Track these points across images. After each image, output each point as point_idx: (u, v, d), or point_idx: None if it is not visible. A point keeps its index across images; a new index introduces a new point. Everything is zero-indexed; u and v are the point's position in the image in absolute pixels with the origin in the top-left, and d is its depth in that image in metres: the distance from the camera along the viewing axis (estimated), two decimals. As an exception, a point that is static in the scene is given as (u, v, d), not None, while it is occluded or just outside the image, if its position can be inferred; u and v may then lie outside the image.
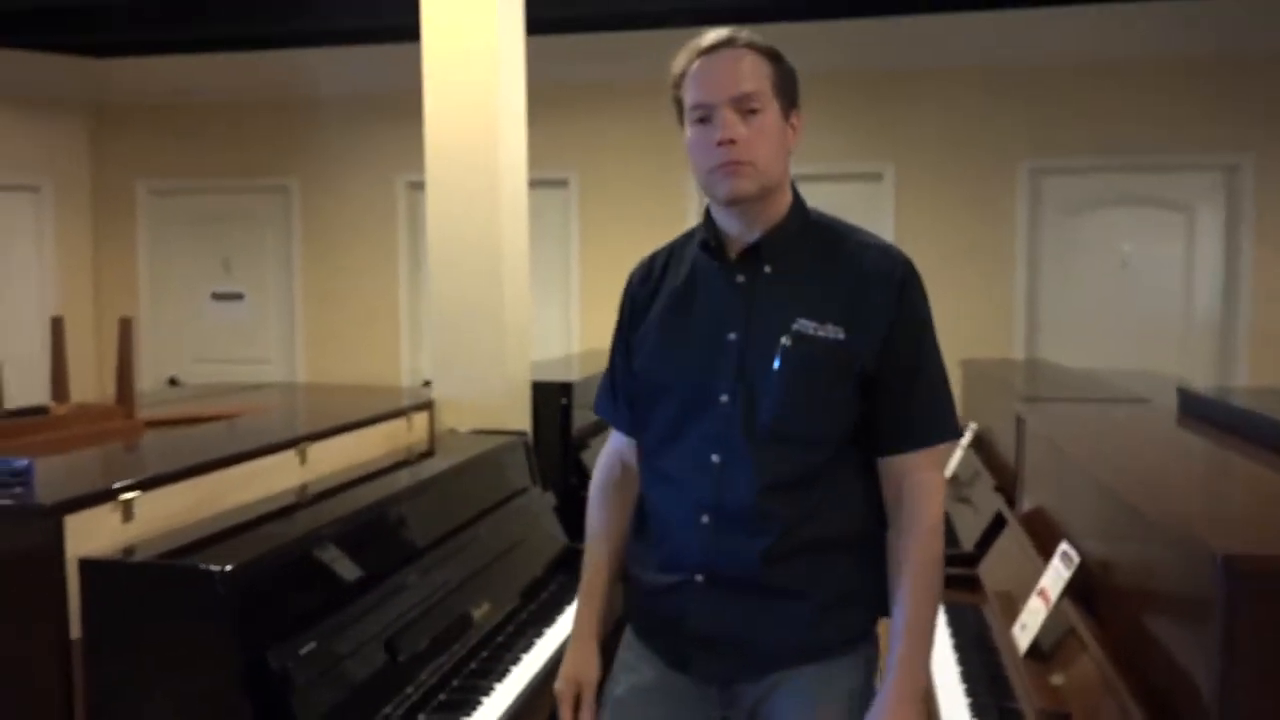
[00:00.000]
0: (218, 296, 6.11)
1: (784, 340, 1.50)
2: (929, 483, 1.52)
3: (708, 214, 1.61)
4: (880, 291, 1.51)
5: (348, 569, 2.02)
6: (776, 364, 1.50)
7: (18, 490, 1.84)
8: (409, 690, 1.96)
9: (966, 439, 3.54)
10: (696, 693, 1.59)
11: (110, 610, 1.68)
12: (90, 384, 5.20)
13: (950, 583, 2.62)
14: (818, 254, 1.56)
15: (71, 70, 5.94)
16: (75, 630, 1.71)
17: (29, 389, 3.46)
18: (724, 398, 1.52)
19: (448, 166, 3.23)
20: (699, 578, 1.54)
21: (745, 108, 1.48)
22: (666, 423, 1.57)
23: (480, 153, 3.20)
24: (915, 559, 1.50)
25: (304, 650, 1.73)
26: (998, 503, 2.77)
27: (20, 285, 5.90)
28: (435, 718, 1.97)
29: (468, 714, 1.99)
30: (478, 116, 3.19)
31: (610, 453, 1.74)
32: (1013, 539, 2.43)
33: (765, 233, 1.54)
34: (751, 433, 1.51)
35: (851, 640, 1.58)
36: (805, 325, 1.50)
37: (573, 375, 3.57)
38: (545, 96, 5.38)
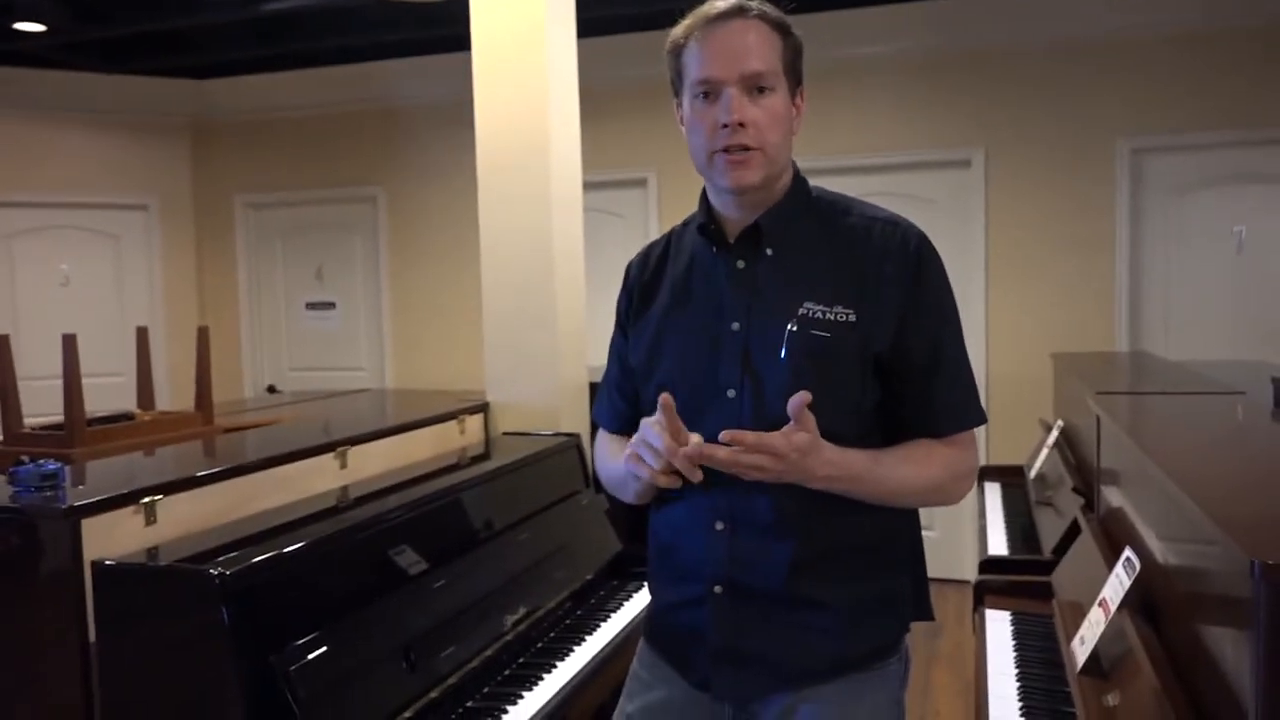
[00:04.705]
0: (311, 306, 6.28)
1: (790, 327, 1.39)
2: (957, 458, 1.44)
3: (704, 197, 1.52)
4: (893, 267, 1.39)
5: (368, 573, 1.99)
6: (783, 353, 1.39)
7: (48, 494, 1.89)
8: (433, 695, 1.92)
9: (1052, 438, 3.31)
10: (713, 712, 1.49)
11: (119, 613, 1.69)
12: (192, 391, 5.38)
13: (1024, 590, 2.50)
14: (822, 233, 1.45)
15: (173, 92, 6.21)
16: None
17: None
18: (730, 392, 1.42)
19: (497, 172, 3.21)
20: (718, 589, 1.44)
21: (754, 85, 1.38)
22: None
23: (530, 157, 3.16)
24: (928, 445, 1.43)
25: (311, 655, 1.70)
26: (1077, 505, 2.57)
27: (133, 298, 6.20)
28: (457, 726, 1.93)
29: (490, 723, 1.94)
30: (526, 121, 3.16)
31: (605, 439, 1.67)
32: (1084, 544, 2.25)
33: (764, 214, 1.45)
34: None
35: (880, 653, 1.47)
36: (812, 309, 1.39)
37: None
38: (624, 96, 5.34)
